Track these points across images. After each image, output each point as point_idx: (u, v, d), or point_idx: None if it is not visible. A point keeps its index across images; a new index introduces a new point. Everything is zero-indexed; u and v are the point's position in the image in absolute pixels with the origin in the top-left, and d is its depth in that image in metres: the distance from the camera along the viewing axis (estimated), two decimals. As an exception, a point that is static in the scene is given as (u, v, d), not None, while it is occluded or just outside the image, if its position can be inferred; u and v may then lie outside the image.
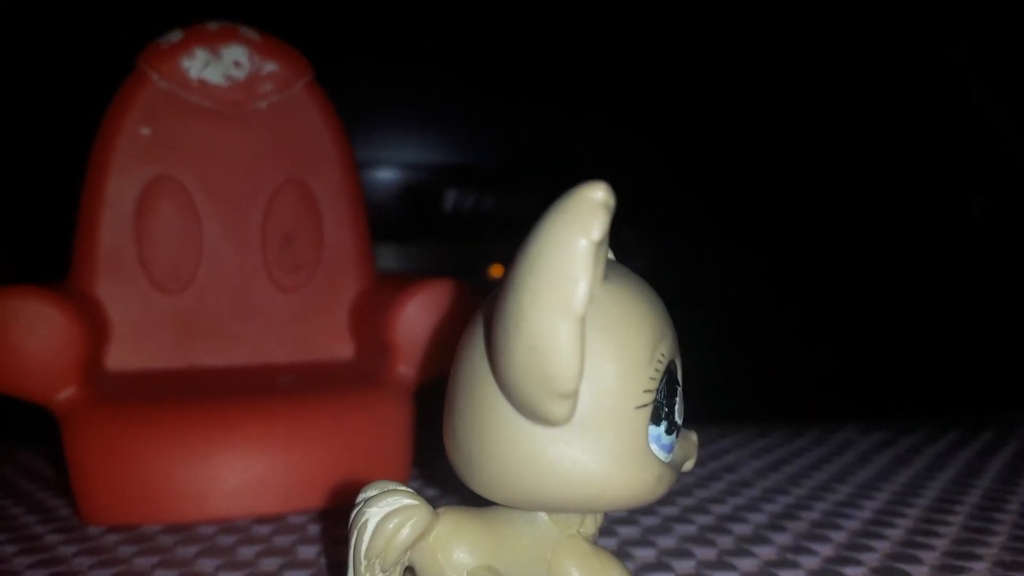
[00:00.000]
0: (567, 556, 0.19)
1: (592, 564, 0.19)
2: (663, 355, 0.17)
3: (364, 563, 0.18)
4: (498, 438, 0.17)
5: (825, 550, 0.27)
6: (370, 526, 0.18)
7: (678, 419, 0.18)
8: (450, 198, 0.61)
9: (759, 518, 0.30)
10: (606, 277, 0.17)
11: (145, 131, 0.36)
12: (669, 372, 0.17)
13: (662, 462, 0.17)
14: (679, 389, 0.18)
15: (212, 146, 0.37)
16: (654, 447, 0.17)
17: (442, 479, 0.35)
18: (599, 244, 0.15)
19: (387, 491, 0.18)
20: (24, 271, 0.32)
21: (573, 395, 0.15)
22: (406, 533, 0.18)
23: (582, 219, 0.15)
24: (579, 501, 0.17)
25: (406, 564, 0.18)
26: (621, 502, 0.17)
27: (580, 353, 0.15)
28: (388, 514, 0.18)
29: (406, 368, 0.34)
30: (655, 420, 0.17)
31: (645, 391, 0.17)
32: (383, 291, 0.36)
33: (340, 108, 0.39)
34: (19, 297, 0.30)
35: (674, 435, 0.17)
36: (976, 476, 0.35)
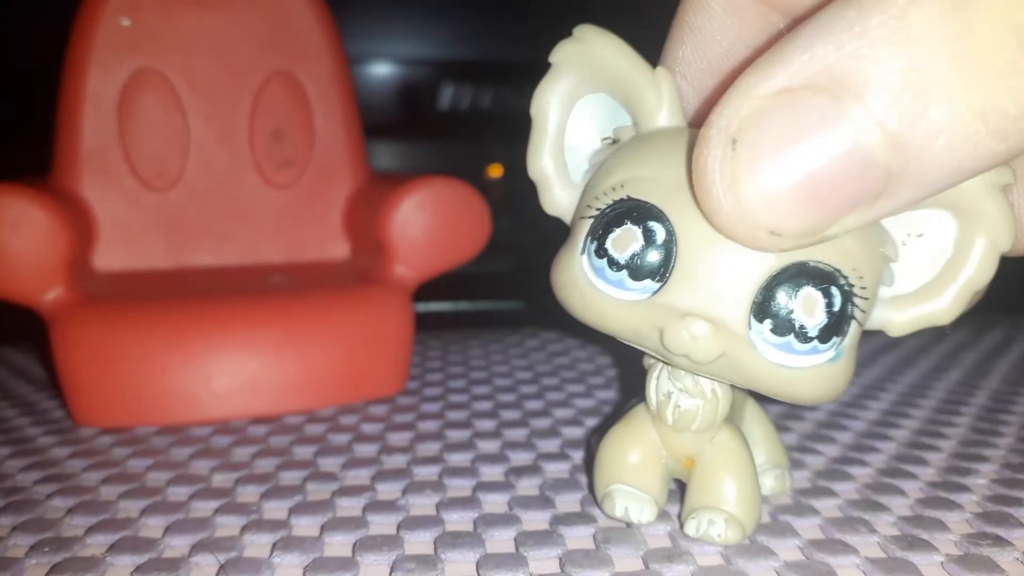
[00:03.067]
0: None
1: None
2: (621, 186, 0.17)
3: None
4: None
5: (831, 450, 0.26)
6: None
7: (614, 253, 0.17)
8: (447, 94, 0.59)
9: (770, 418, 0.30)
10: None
11: (125, 22, 0.34)
12: (627, 209, 0.17)
13: (589, 276, 0.18)
14: (637, 233, 0.17)
15: (196, 37, 0.35)
16: (585, 261, 0.18)
17: (440, 380, 0.35)
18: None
19: None
20: (3, 170, 0.31)
21: None
22: None
23: None
24: None
25: None
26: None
27: None
28: None
29: (404, 268, 0.33)
30: (592, 237, 0.18)
31: (587, 206, 0.18)
32: (378, 189, 0.35)
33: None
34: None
35: (605, 265, 0.18)
36: (983, 377, 0.35)
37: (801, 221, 0.14)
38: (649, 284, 0.17)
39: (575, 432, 0.28)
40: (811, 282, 0.16)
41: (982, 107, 0.13)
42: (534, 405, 0.31)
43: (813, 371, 0.17)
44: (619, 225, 0.17)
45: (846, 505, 0.22)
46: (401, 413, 0.31)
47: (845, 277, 0.16)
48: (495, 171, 0.60)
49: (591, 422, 0.29)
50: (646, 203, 0.17)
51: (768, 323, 0.16)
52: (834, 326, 0.16)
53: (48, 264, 0.29)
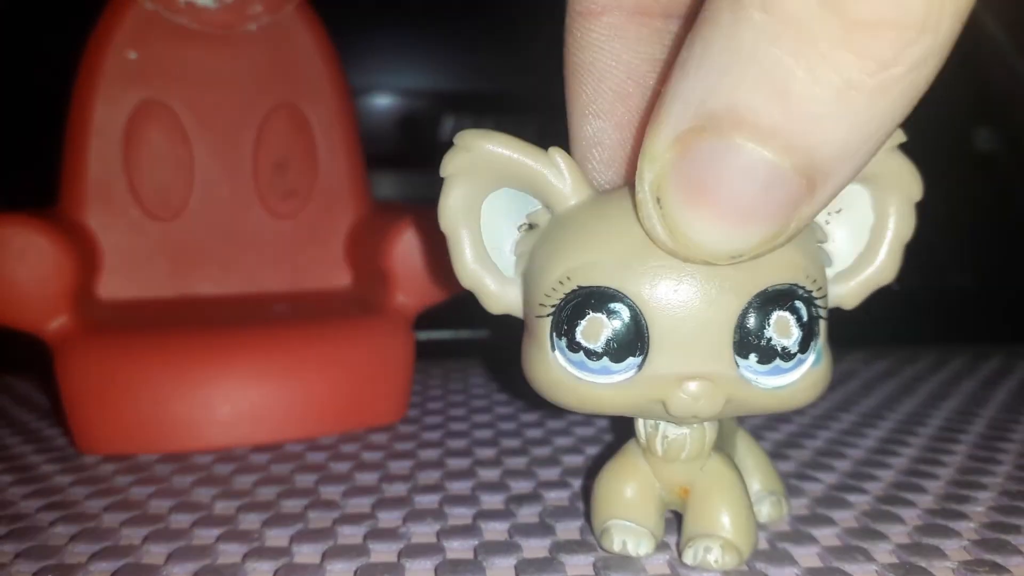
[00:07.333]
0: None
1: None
2: (568, 279, 0.17)
3: None
4: None
5: (829, 478, 0.26)
6: None
7: (589, 345, 0.17)
8: (448, 125, 0.60)
9: (763, 446, 0.30)
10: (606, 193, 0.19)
11: (132, 55, 0.35)
12: (584, 298, 0.17)
13: (571, 372, 0.18)
14: (604, 320, 0.17)
15: (201, 70, 0.36)
16: (560, 358, 0.18)
17: (440, 409, 0.35)
18: None
19: None
20: (9, 200, 0.32)
21: None
22: None
23: None
24: None
25: None
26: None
27: None
28: None
29: (405, 297, 0.33)
30: (557, 334, 0.18)
31: (540, 304, 0.18)
32: (380, 219, 0.36)
33: (333, 31, 0.38)
34: (6, 225, 0.29)
35: (583, 358, 0.18)
36: (980, 406, 0.35)
37: (750, 240, 0.15)
38: (631, 361, 0.17)
39: (575, 460, 0.28)
40: (777, 306, 0.17)
41: (840, 80, 0.13)
42: (534, 433, 0.31)
43: (804, 379, 0.18)
44: (582, 316, 0.17)
45: (844, 533, 0.22)
46: (402, 441, 0.31)
47: (802, 287, 0.17)
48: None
49: (591, 450, 0.29)
50: (599, 287, 0.17)
51: (753, 356, 0.17)
52: (809, 334, 0.17)
53: (53, 293, 0.30)
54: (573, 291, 0.17)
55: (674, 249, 0.16)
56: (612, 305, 0.17)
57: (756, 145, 0.14)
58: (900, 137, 0.17)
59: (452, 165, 0.19)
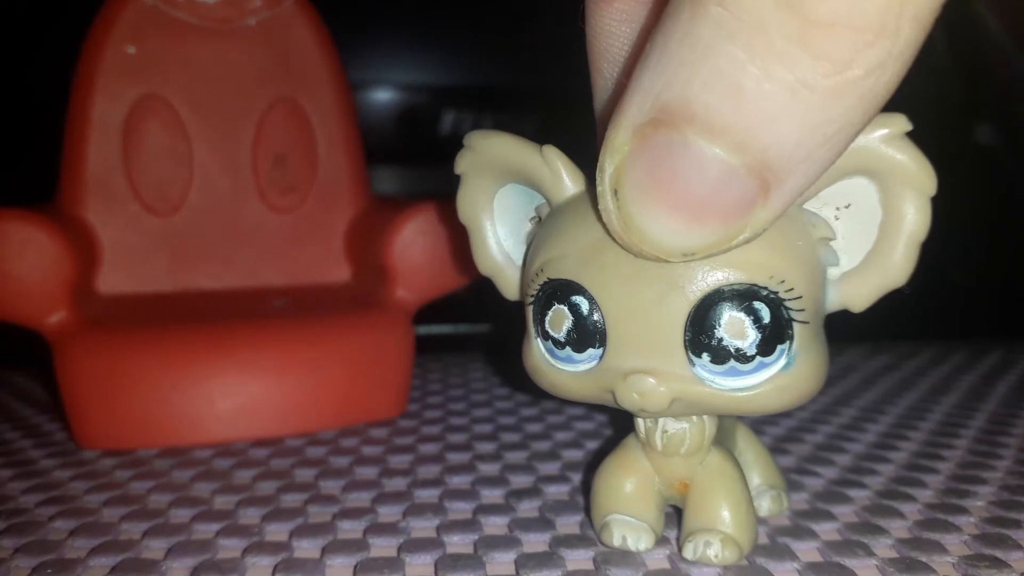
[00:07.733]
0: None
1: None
2: (542, 271, 0.18)
3: None
4: None
5: (829, 473, 0.26)
6: None
7: (554, 334, 0.18)
8: (448, 119, 0.60)
9: (762, 441, 0.30)
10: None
11: (131, 49, 0.35)
12: (553, 290, 0.18)
13: (547, 359, 0.19)
14: (566, 312, 0.18)
15: (200, 64, 0.36)
16: (540, 345, 0.19)
17: (440, 403, 0.35)
18: None
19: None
20: (8, 195, 0.31)
21: None
22: None
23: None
24: None
25: None
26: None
27: None
28: None
29: (404, 291, 0.33)
30: (536, 322, 0.19)
31: (525, 293, 0.19)
32: (380, 213, 0.36)
33: (332, 25, 0.38)
34: (6, 220, 0.29)
35: (552, 346, 0.19)
36: (981, 400, 0.35)
37: (701, 238, 0.15)
38: (592, 352, 0.18)
39: (575, 454, 0.28)
40: (731, 306, 0.17)
41: (793, 79, 0.13)
42: (534, 428, 0.31)
43: (769, 383, 0.17)
44: (549, 307, 0.18)
45: (845, 528, 0.22)
46: (402, 435, 0.31)
47: (764, 288, 0.17)
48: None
49: (591, 444, 0.29)
50: (564, 280, 0.18)
51: (706, 356, 0.17)
52: (772, 337, 0.17)
53: (53, 287, 0.30)
54: (544, 283, 0.18)
55: (628, 243, 0.16)
56: (573, 298, 0.18)
57: (707, 141, 0.14)
58: (906, 125, 0.16)
59: (462, 164, 0.20)
